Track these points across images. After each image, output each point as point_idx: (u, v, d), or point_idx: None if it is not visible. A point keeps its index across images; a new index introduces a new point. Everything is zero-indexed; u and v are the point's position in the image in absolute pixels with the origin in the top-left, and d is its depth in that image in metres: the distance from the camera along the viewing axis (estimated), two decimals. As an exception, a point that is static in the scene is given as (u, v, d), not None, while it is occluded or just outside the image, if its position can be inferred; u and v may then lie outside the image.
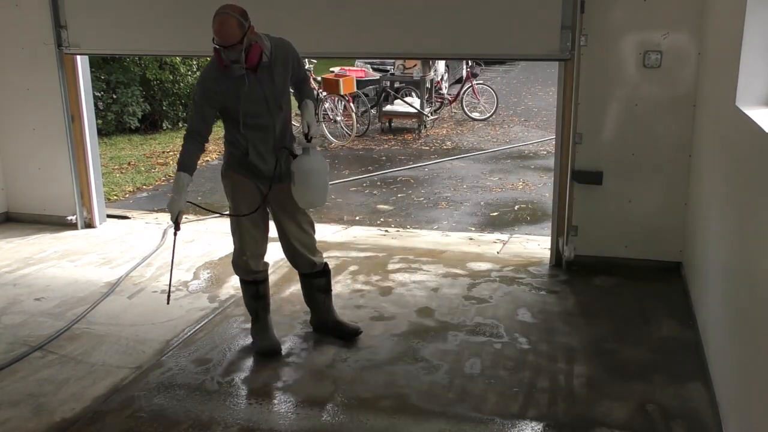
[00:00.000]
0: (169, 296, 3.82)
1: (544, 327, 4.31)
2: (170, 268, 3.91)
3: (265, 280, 4.06)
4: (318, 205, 4.00)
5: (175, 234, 3.74)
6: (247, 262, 3.94)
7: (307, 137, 3.82)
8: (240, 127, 3.74)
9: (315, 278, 4.10)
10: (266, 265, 4.06)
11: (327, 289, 4.17)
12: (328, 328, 4.20)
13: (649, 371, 3.77)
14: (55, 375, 3.81)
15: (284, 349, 4.08)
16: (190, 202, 3.74)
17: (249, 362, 3.95)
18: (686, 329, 4.22)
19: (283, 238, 3.98)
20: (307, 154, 3.78)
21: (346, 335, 4.16)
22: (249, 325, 4.33)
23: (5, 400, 3.57)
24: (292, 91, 3.96)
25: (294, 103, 4.02)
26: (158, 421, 3.40)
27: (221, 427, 3.34)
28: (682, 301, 4.60)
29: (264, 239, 3.96)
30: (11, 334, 4.27)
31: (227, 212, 4.00)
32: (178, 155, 3.77)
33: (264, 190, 3.82)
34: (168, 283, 3.91)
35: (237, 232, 3.90)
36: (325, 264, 4.13)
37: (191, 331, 4.29)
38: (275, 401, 3.57)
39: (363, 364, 3.90)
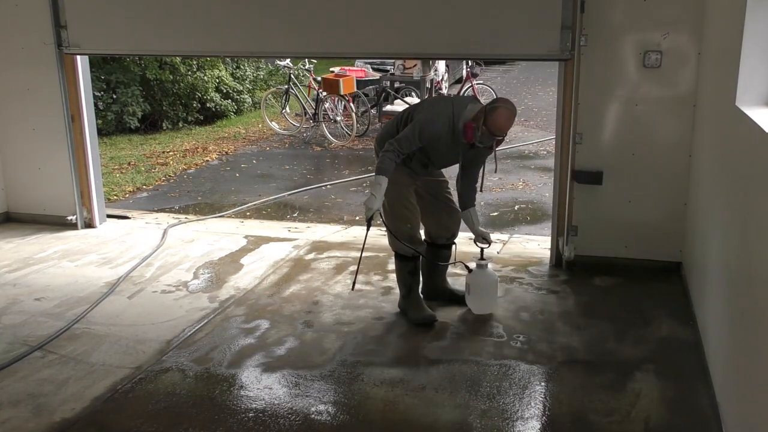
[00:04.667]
0: (354, 284, 4.52)
1: (543, 327, 4.31)
2: (358, 263, 4.49)
3: (419, 257, 4.45)
4: (487, 312, 4.50)
5: (367, 233, 4.22)
6: (411, 230, 4.36)
7: (482, 255, 4.45)
8: (429, 160, 4.29)
9: (444, 249, 4.59)
10: (424, 244, 4.50)
11: (447, 259, 4.63)
12: (444, 295, 4.65)
13: (649, 371, 3.76)
14: (55, 375, 3.81)
15: (284, 349, 4.09)
16: (380, 214, 4.18)
17: (249, 362, 3.95)
18: (686, 329, 4.22)
19: (445, 211, 4.50)
20: (483, 270, 4.44)
21: (462, 300, 4.58)
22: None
23: (5, 400, 3.57)
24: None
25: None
26: (158, 421, 3.40)
27: (222, 428, 3.34)
28: (682, 301, 4.60)
29: (418, 215, 4.41)
30: (11, 334, 4.27)
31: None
32: (378, 163, 4.14)
33: (418, 182, 4.38)
34: (355, 272, 4.54)
35: (395, 213, 4.31)
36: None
37: (191, 331, 4.29)
38: (276, 401, 3.57)
39: (363, 364, 3.90)
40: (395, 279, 4.58)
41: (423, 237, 4.57)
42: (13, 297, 4.82)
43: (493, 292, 4.53)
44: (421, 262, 4.52)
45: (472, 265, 4.45)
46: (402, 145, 4.11)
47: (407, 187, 4.34)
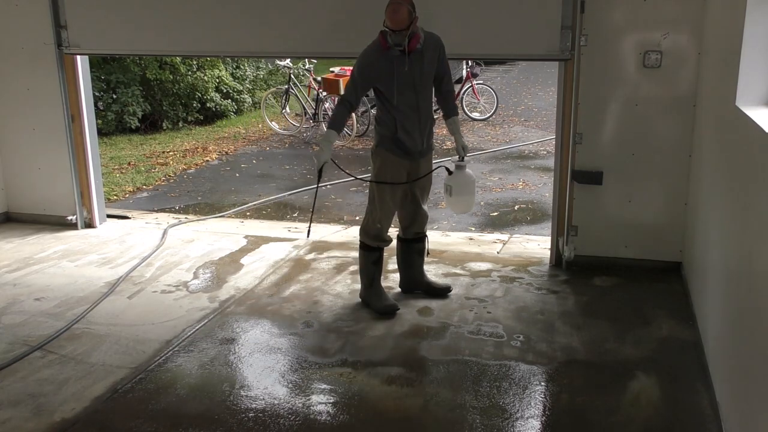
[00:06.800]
0: (309, 232, 4.58)
1: (543, 327, 4.31)
2: (311, 210, 4.70)
3: (383, 249, 4.59)
4: (467, 212, 5.03)
5: (318, 182, 4.40)
6: (380, 230, 4.46)
7: (461, 156, 4.48)
8: (391, 106, 4.28)
9: (416, 242, 4.69)
10: (390, 240, 4.59)
11: (422, 252, 4.74)
12: (420, 287, 4.79)
13: (649, 371, 3.77)
14: (55, 375, 3.81)
15: (284, 349, 4.09)
16: (334, 161, 4.34)
17: (249, 362, 3.95)
18: (686, 329, 4.23)
19: (413, 204, 4.56)
20: (462, 171, 4.49)
21: (439, 293, 4.74)
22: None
23: (5, 400, 3.57)
24: (435, 98, 4.54)
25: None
26: (158, 421, 3.40)
27: (222, 428, 3.34)
28: (682, 301, 4.60)
29: (395, 213, 4.54)
30: (11, 334, 4.27)
31: (365, 177, 4.63)
32: (329, 118, 4.47)
33: (408, 168, 4.40)
34: (309, 219, 4.71)
35: (379, 202, 4.42)
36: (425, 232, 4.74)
37: (191, 331, 4.29)
38: (276, 401, 3.57)
39: (364, 364, 3.90)
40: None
41: (396, 231, 4.71)
42: (13, 297, 4.82)
43: (471, 192, 4.61)
44: (397, 255, 4.75)
45: (452, 167, 4.51)
46: (346, 93, 4.34)
47: (398, 177, 4.38)
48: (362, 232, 4.53)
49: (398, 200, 4.47)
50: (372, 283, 4.57)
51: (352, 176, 4.54)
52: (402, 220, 4.64)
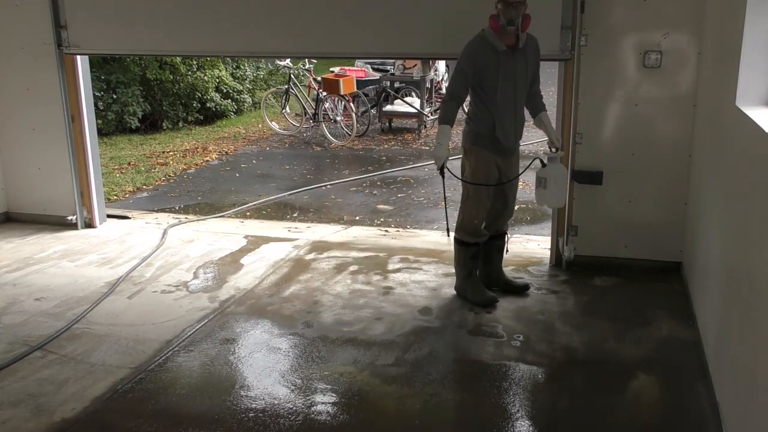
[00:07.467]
0: (448, 230, 4.66)
1: (543, 327, 4.31)
2: (445, 209, 4.74)
3: (481, 244, 4.64)
4: (559, 206, 4.96)
5: (443, 182, 4.45)
6: (477, 226, 4.53)
7: (557, 148, 4.52)
8: (491, 102, 4.30)
9: (497, 240, 4.73)
10: (487, 235, 4.65)
11: (502, 249, 4.79)
12: (498, 284, 4.78)
13: (649, 371, 3.77)
14: (55, 375, 3.81)
15: (284, 349, 4.09)
16: (448, 169, 4.30)
17: (249, 362, 3.95)
18: (686, 329, 4.23)
19: (501, 202, 4.60)
20: (556, 162, 4.51)
21: (517, 290, 4.77)
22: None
23: (5, 400, 3.57)
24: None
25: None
26: (158, 421, 3.40)
27: (222, 428, 3.34)
28: (682, 301, 4.60)
29: (489, 209, 4.55)
30: (11, 334, 4.27)
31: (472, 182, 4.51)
32: (439, 113, 4.50)
33: (501, 164, 4.46)
34: (446, 220, 4.70)
35: (474, 200, 4.47)
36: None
37: (191, 331, 4.29)
38: (276, 401, 3.57)
39: (364, 365, 3.90)
40: (449, 273, 4.69)
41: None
42: (13, 297, 4.82)
43: (565, 183, 4.73)
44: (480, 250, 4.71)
45: (546, 159, 4.53)
46: (454, 87, 4.31)
47: (491, 173, 4.44)
48: (459, 230, 4.58)
49: (492, 197, 4.52)
50: (470, 275, 4.63)
51: (461, 179, 4.50)
52: (487, 217, 4.62)
